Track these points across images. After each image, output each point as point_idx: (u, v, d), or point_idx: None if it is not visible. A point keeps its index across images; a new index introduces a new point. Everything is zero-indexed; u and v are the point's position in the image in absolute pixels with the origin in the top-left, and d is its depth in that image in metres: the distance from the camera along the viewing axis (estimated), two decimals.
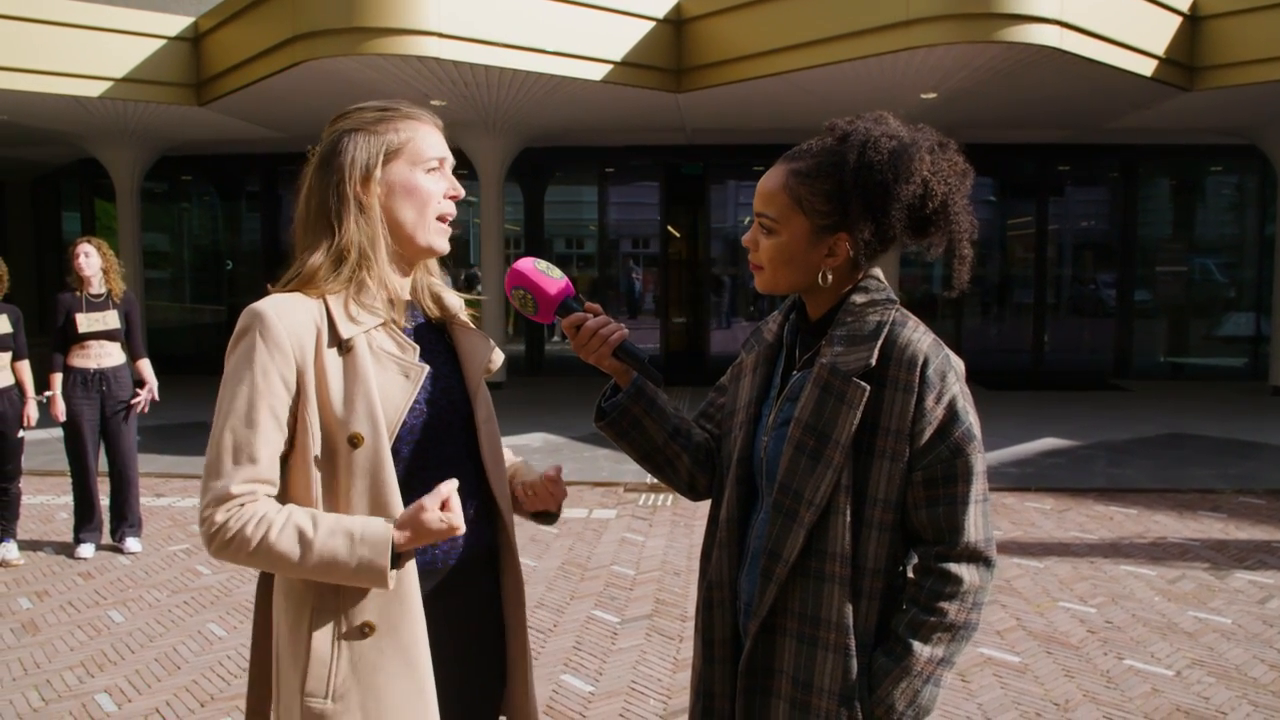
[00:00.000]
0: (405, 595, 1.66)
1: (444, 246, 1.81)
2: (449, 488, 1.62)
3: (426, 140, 1.76)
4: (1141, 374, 14.36)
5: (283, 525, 1.58)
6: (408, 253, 1.78)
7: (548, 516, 1.94)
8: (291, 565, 1.59)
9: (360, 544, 1.58)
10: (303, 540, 1.58)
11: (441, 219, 1.79)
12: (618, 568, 5.87)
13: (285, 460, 1.67)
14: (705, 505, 1.96)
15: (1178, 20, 9.62)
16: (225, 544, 1.58)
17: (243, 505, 1.59)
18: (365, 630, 1.64)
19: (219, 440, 1.61)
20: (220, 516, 1.58)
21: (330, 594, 1.66)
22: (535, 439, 9.71)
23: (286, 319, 1.63)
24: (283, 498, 1.67)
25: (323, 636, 1.64)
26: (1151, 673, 4.35)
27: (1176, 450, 9.20)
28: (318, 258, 1.70)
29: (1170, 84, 9.76)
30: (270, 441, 1.61)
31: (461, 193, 1.81)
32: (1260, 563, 5.91)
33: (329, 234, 1.71)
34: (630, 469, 8.21)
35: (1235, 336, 14.72)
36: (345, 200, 1.70)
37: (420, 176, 1.75)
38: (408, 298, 1.81)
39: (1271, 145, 12.42)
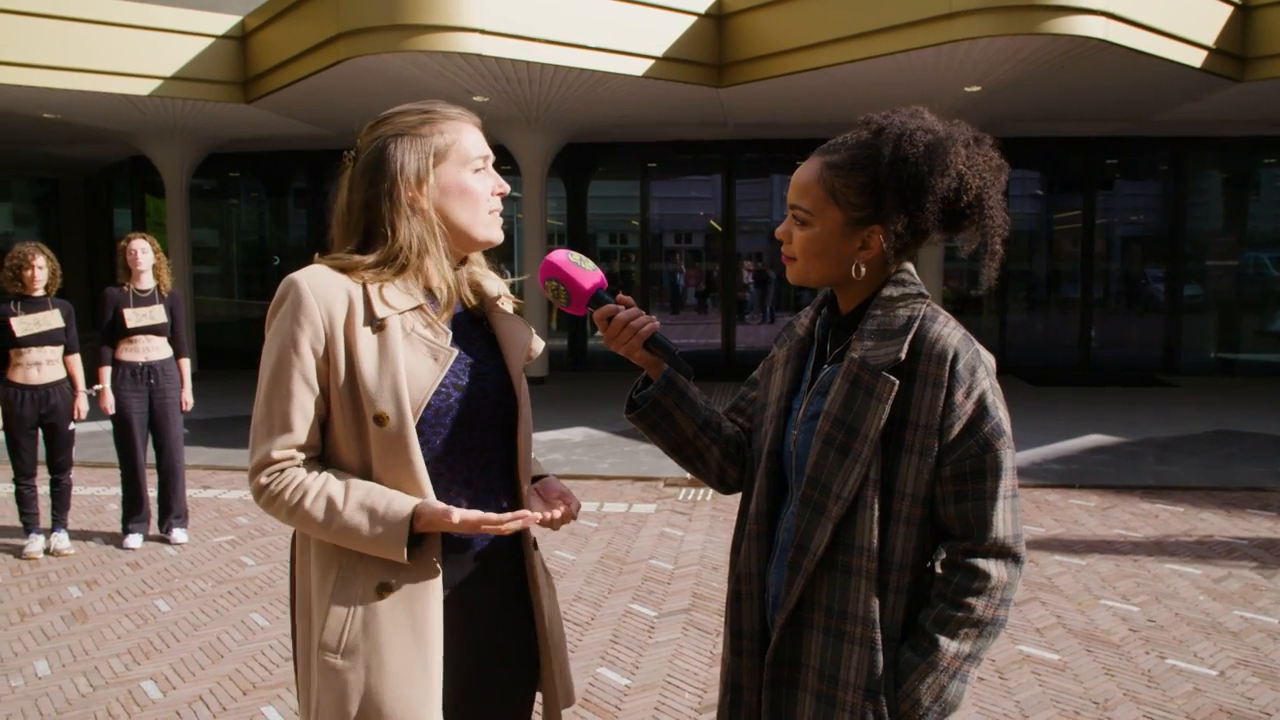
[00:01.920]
0: (425, 565, 1.72)
1: (499, 237, 1.87)
2: (478, 517, 1.68)
3: (470, 140, 1.82)
4: (1191, 370, 14.12)
5: (316, 493, 1.69)
6: (463, 248, 1.85)
7: None
8: (320, 530, 1.70)
9: (379, 522, 1.67)
10: (330, 509, 1.68)
11: (491, 213, 1.84)
12: (656, 562, 5.89)
13: (325, 425, 1.75)
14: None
15: (1228, 10, 9.45)
16: (269, 502, 1.71)
17: (283, 470, 1.71)
18: (382, 592, 1.70)
19: (259, 409, 1.73)
20: (264, 480, 1.70)
21: (356, 554, 1.73)
22: (577, 433, 9.75)
23: (320, 289, 1.70)
24: (327, 460, 1.77)
25: (343, 595, 1.72)
26: (1194, 672, 4.30)
27: (1226, 448, 9.05)
28: (370, 259, 1.75)
29: (1221, 75, 9.59)
30: (304, 408, 1.70)
31: (507, 188, 1.87)
32: None
33: (381, 239, 1.76)
34: (671, 464, 8.20)
35: None
36: (399, 206, 1.75)
37: (469, 177, 1.81)
38: (451, 285, 1.83)
39: None
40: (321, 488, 1.69)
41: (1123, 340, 14.97)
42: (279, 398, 1.69)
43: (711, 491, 7.31)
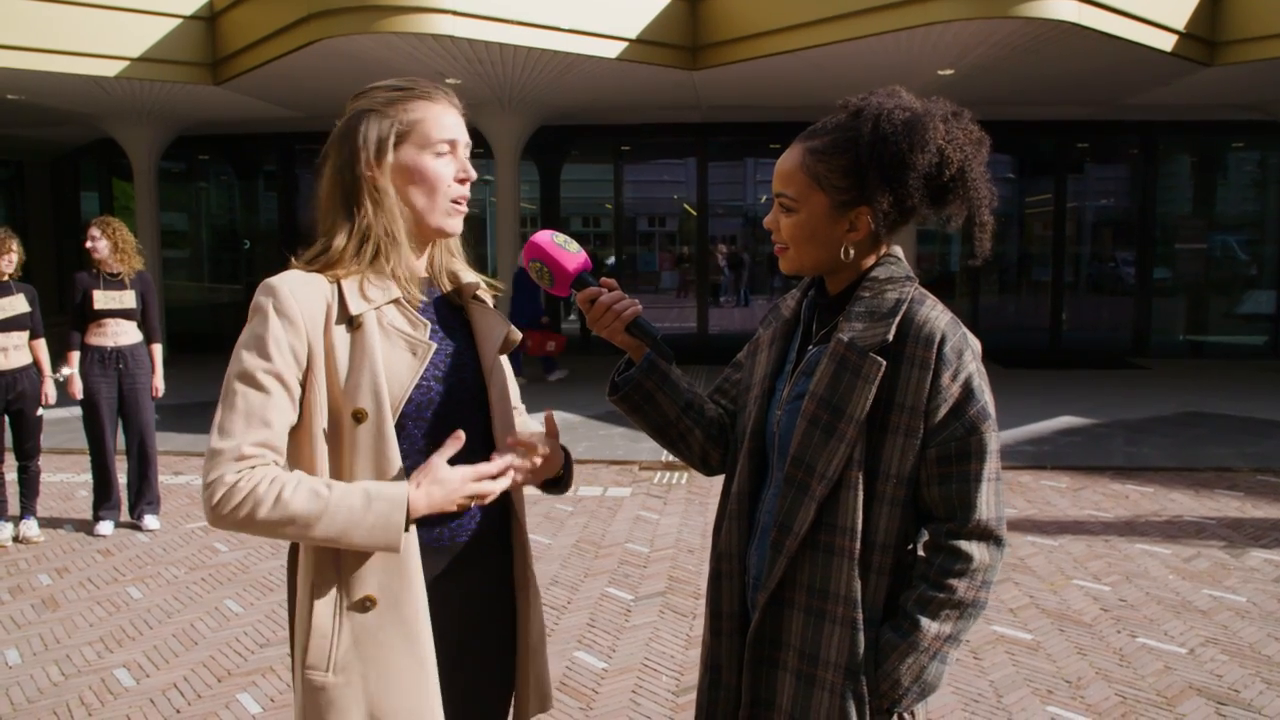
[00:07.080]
0: (406, 568, 1.66)
1: (455, 228, 1.79)
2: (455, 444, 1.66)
3: (438, 122, 1.74)
4: (1160, 352, 14.28)
5: (296, 485, 1.56)
6: (421, 234, 1.78)
7: (557, 485, 1.91)
8: (304, 524, 1.55)
9: (377, 499, 1.58)
10: (317, 497, 1.56)
11: (456, 201, 1.77)
12: (632, 545, 5.89)
13: (291, 434, 1.65)
14: (720, 484, 1.95)
15: None
16: (236, 506, 1.54)
17: (254, 467, 1.56)
18: (367, 604, 1.64)
19: (231, 403, 1.58)
20: (231, 476, 1.54)
21: (330, 567, 1.66)
22: None
23: (299, 293, 1.64)
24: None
25: (324, 610, 1.65)
26: (1165, 650, 4.35)
27: (1194, 429, 9.15)
28: (340, 240, 1.70)
29: (1191, 59, 9.65)
30: (282, 409, 1.60)
31: (473, 175, 1.79)
32: (1276, 541, 5.88)
33: (349, 216, 1.71)
34: (645, 447, 8.23)
35: (1255, 314, 14.61)
36: (360, 183, 1.70)
37: (428, 160, 1.73)
38: (423, 275, 1.81)
39: None
40: (300, 479, 1.57)
41: (1093, 323, 15.11)
42: (257, 394, 1.58)
43: (687, 475, 7.33)
